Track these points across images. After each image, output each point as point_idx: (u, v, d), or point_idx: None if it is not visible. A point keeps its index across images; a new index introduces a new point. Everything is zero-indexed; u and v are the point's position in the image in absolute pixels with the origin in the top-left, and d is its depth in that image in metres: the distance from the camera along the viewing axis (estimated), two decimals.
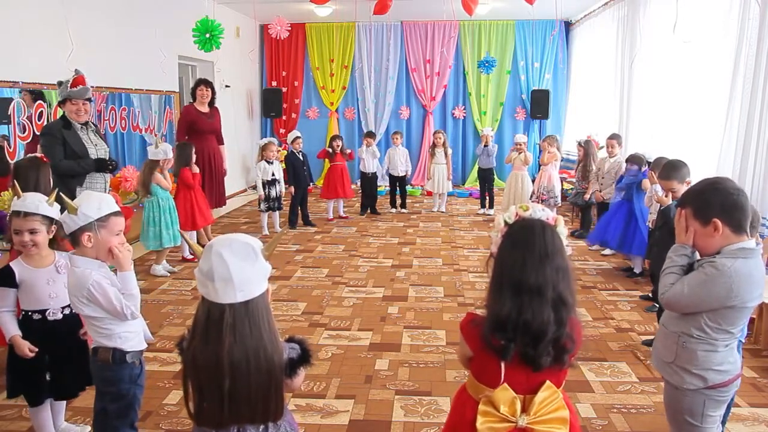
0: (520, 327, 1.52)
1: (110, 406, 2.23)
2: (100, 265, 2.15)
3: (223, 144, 6.79)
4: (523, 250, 1.54)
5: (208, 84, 6.44)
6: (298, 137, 7.46)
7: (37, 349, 2.41)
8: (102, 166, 4.19)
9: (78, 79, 4.04)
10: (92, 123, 4.34)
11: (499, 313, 1.54)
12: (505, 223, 1.61)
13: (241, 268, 1.38)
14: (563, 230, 1.61)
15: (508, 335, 1.53)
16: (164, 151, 5.22)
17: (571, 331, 1.56)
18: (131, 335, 2.22)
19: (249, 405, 1.42)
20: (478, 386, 1.65)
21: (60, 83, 4.10)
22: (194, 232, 5.85)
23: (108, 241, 2.13)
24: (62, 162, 3.98)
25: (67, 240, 2.20)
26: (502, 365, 1.57)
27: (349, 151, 8.22)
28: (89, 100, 4.15)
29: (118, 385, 2.21)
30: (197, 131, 6.38)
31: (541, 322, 1.51)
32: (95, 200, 2.15)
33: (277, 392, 1.45)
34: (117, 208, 2.17)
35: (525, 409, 1.59)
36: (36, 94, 4.75)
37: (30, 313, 2.45)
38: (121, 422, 2.23)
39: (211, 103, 6.52)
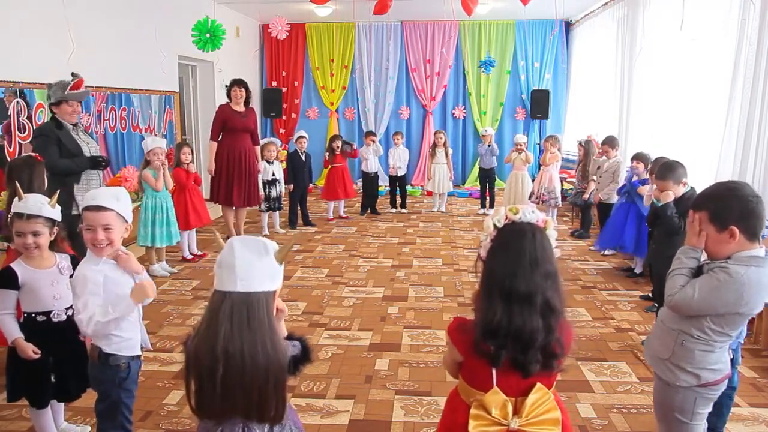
0: (511, 334, 1.52)
1: (98, 406, 2.23)
2: (96, 261, 2.14)
3: (258, 144, 6.71)
4: (513, 257, 1.53)
5: (242, 84, 6.38)
6: (302, 137, 7.44)
7: (40, 351, 2.39)
8: (96, 163, 4.25)
9: (78, 83, 4.13)
10: (80, 123, 4.40)
11: (490, 320, 1.53)
12: (495, 226, 1.59)
13: (245, 258, 1.41)
14: (552, 233, 1.60)
15: (499, 342, 1.52)
16: (146, 143, 5.21)
17: (560, 335, 1.55)
18: (117, 338, 2.18)
19: (244, 394, 1.39)
20: (469, 390, 1.65)
21: (50, 85, 4.13)
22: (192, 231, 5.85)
23: (84, 235, 2.14)
24: (59, 161, 4.02)
25: (66, 241, 2.20)
26: (494, 370, 1.57)
27: (353, 148, 8.20)
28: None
29: (104, 385, 2.21)
30: (230, 129, 6.32)
31: (531, 329, 1.51)
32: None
33: (278, 392, 1.43)
34: (91, 203, 2.12)
35: (517, 412, 1.58)
36: (15, 94, 4.67)
37: (33, 315, 2.43)
38: (109, 424, 2.21)
39: (246, 103, 6.48)
